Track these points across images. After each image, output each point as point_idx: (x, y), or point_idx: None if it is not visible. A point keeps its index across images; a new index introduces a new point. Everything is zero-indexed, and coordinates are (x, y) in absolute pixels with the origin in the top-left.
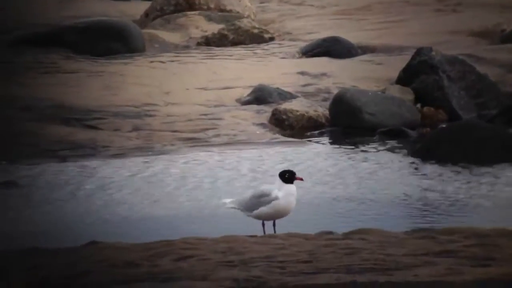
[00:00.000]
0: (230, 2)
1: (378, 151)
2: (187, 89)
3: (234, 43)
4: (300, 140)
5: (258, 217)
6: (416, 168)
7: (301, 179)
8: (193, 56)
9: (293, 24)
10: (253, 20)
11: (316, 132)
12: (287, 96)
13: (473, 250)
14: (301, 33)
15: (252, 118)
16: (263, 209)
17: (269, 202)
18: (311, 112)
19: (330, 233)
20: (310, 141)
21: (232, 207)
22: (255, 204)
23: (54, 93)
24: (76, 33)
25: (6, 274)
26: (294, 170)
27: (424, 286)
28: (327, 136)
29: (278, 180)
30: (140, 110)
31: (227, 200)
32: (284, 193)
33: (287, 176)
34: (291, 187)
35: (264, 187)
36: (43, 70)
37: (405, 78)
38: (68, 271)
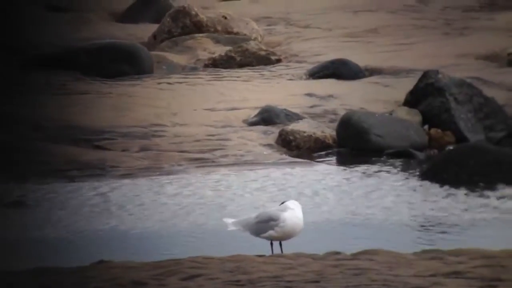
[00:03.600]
0: (237, 25)
1: (386, 172)
2: (195, 110)
3: (241, 65)
4: (307, 161)
5: (265, 238)
6: (423, 190)
7: None
8: (200, 78)
9: (300, 47)
10: (260, 42)
11: (323, 153)
12: (294, 117)
13: (480, 271)
14: (308, 55)
15: (259, 139)
16: (271, 233)
17: (277, 225)
18: (318, 133)
19: (338, 253)
20: (317, 162)
21: (238, 229)
22: (262, 228)
23: (63, 113)
24: (86, 55)
25: None
26: (302, 191)
27: None
28: (334, 157)
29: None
30: (148, 130)
31: (229, 221)
32: (290, 217)
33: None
34: (298, 211)
35: (270, 211)
36: (53, 91)
37: (412, 100)
38: None
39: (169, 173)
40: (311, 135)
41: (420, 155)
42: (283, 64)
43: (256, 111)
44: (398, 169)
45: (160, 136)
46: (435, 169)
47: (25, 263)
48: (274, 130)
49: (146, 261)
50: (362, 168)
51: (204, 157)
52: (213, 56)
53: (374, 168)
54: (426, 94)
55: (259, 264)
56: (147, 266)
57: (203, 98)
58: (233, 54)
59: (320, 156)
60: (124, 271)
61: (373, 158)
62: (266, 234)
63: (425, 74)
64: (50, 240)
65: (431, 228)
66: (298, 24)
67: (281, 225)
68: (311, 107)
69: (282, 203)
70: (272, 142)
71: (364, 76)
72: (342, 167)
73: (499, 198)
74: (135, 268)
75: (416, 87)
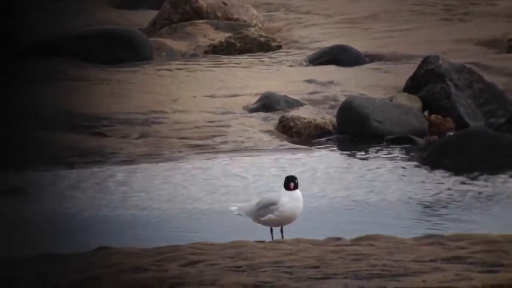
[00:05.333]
0: (237, 11)
1: (386, 158)
2: (195, 96)
3: (241, 51)
4: (307, 147)
5: (266, 224)
6: (423, 176)
7: (292, 188)
8: (200, 64)
9: (300, 33)
10: (260, 28)
11: (323, 139)
12: (294, 103)
13: (481, 256)
14: (308, 41)
15: (259, 125)
16: (270, 217)
17: (277, 209)
18: (318, 120)
19: (338, 239)
20: (317, 148)
21: (239, 214)
22: (263, 212)
23: (63, 100)
24: (85, 42)
25: (14, 281)
26: (302, 176)
27: None
28: (334, 144)
29: (282, 187)
30: (148, 117)
31: (234, 207)
32: (289, 200)
33: (285, 183)
34: (296, 193)
35: (270, 196)
36: (52, 78)
37: (413, 86)
38: (76, 276)
39: (169, 159)
40: (311, 122)
41: (420, 141)
42: (283, 51)
43: (256, 98)
44: (399, 155)
45: (160, 122)
46: (435, 155)
47: (25, 249)
48: (275, 117)
49: (147, 247)
50: (362, 154)
51: (204, 143)
52: (213, 42)
53: (374, 154)
54: (426, 80)
55: (259, 250)
56: (147, 252)
57: (203, 84)
58: (233, 41)
59: (320, 142)
60: (124, 257)
61: (373, 144)
62: (265, 218)
63: (426, 60)
64: (49, 227)
65: (430, 213)
66: (298, 10)
67: (280, 209)
68: (311, 93)
69: (288, 178)
70: (272, 128)
71: (364, 62)
72: (342, 153)
73: (499, 183)
74: (135, 254)
75: (416, 73)
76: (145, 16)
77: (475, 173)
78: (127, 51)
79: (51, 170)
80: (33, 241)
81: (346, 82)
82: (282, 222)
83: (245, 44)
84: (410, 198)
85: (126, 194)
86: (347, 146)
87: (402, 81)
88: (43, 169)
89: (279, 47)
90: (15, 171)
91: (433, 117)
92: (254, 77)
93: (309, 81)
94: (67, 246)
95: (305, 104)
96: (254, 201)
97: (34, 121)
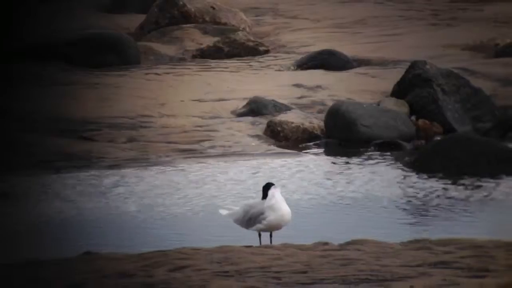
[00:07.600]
0: (225, 15)
1: (373, 163)
2: (182, 101)
3: (229, 56)
4: (295, 152)
5: (255, 230)
6: (411, 181)
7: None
8: (188, 68)
9: (288, 37)
10: (248, 33)
11: (311, 144)
12: (282, 108)
13: (468, 261)
14: (296, 46)
15: (247, 130)
16: (259, 226)
17: (264, 219)
18: (306, 124)
19: (326, 243)
20: (305, 152)
21: (229, 219)
22: (251, 221)
23: (49, 104)
24: (72, 46)
25: None
26: (289, 181)
27: None
28: (322, 148)
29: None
30: (135, 121)
31: (224, 212)
32: (275, 209)
33: (264, 191)
34: (279, 201)
35: (256, 205)
36: (38, 82)
37: (400, 91)
38: (62, 282)
39: (156, 164)
40: (299, 126)
41: (408, 145)
42: (271, 55)
43: (244, 102)
44: (386, 159)
45: (147, 127)
46: (422, 159)
47: (10, 255)
48: (262, 121)
49: (133, 252)
50: (350, 158)
51: (192, 148)
52: (201, 46)
53: (362, 158)
54: (413, 85)
55: (247, 255)
56: (134, 258)
57: (191, 89)
58: (221, 45)
59: (308, 147)
60: (111, 263)
61: (361, 149)
62: (254, 228)
63: (413, 65)
64: (34, 232)
65: (417, 217)
66: (286, 14)
67: (268, 219)
68: (299, 98)
69: (266, 185)
70: (260, 133)
71: (352, 66)
72: (330, 158)
73: (485, 188)
74: (121, 259)
75: (403, 77)
76: (133, 20)
77: (462, 178)
78: (115, 55)
79: (37, 175)
80: (18, 246)
81: (334, 87)
82: (271, 229)
83: (233, 48)
84: (397, 202)
85: (112, 199)
86: (335, 150)
87: (389, 86)
88: (29, 173)
89: (267, 51)
90: (1, 176)
91: (420, 121)
92: (242, 82)
93: (297, 86)
94: (52, 252)
95: (293, 109)
96: (241, 209)
97: (21, 125)
